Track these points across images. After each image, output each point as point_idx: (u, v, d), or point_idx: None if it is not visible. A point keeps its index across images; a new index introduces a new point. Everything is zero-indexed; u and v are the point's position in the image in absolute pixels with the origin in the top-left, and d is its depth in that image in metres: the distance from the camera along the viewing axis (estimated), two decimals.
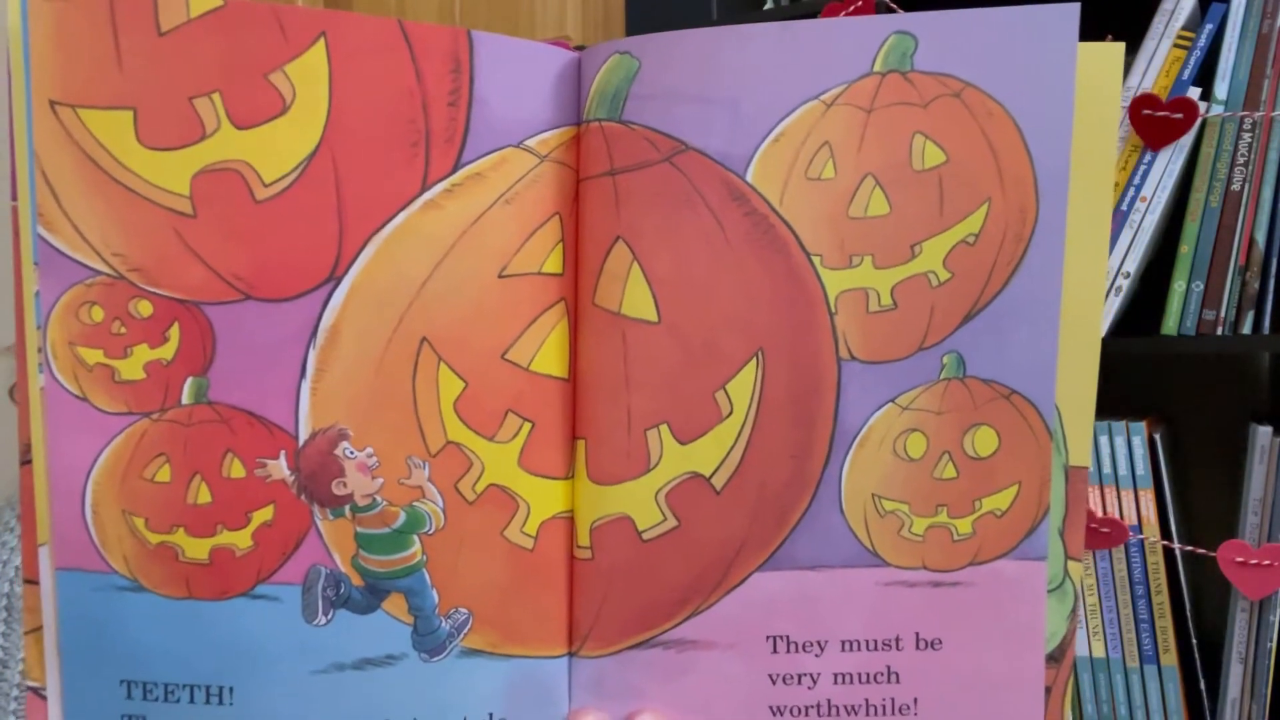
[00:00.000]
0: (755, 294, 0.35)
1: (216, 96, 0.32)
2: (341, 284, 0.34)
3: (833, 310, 0.36)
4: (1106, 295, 1.00)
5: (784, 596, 0.37)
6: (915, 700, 0.38)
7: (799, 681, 0.38)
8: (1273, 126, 0.96)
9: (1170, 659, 1.00)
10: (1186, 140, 0.98)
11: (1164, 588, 1.01)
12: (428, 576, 0.36)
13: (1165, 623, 1.00)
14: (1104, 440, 1.02)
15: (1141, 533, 1.00)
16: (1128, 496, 1.01)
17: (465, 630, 0.36)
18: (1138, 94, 1.00)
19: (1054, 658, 0.38)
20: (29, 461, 0.33)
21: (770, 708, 0.38)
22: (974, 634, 0.38)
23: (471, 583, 0.36)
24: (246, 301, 0.33)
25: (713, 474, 0.37)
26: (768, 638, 0.38)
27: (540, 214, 0.35)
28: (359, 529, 0.35)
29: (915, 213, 0.35)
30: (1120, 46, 0.36)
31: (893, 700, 0.38)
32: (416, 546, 0.36)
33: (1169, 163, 0.99)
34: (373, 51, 0.32)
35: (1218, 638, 1.01)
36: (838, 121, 0.35)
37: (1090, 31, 1.15)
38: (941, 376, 0.36)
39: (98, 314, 0.33)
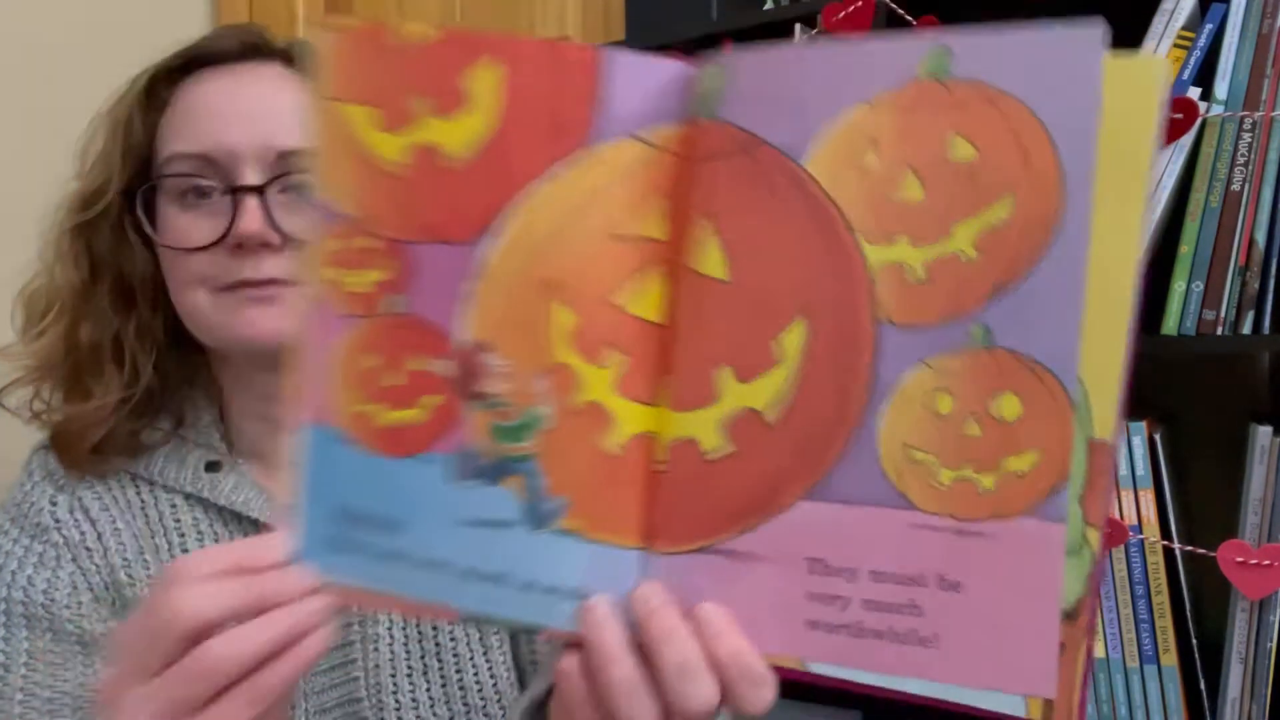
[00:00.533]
0: (805, 261, 0.42)
1: (428, 95, 0.44)
2: (496, 234, 0.44)
3: (873, 279, 0.42)
4: None
5: (824, 525, 0.43)
6: (936, 635, 0.42)
7: (833, 603, 0.43)
8: (1273, 126, 0.96)
9: (1170, 659, 1.01)
10: (1186, 140, 0.98)
11: (1164, 588, 1.01)
12: (538, 465, 0.45)
13: (1165, 623, 1.00)
14: None
15: (1141, 533, 1.00)
16: (1128, 496, 1.01)
17: (563, 513, 0.45)
18: None
19: (1070, 615, 0.41)
20: (299, 349, 0.46)
21: (807, 621, 0.43)
22: (993, 583, 0.41)
23: (571, 476, 0.45)
24: (435, 244, 0.45)
25: (766, 410, 0.43)
26: (806, 559, 0.43)
27: (648, 191, 0.44)
28: (492, 421, 0.45)
29: (947, 200, 0.40)
30: (1159, 60, 0.39)
31: (915, 632, 0.42)
32: (532, 440, 0.45)
33: (1169, 163, 0.99)
34: (530, 65, 0.43)
35: (1218, 638, 1.01)
36: (882, 120, 0.41)
37: None
38: (971, 345, 0.41)
39: (341, 245, 0.45)
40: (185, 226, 0.69)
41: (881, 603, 0.42)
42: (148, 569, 0.72)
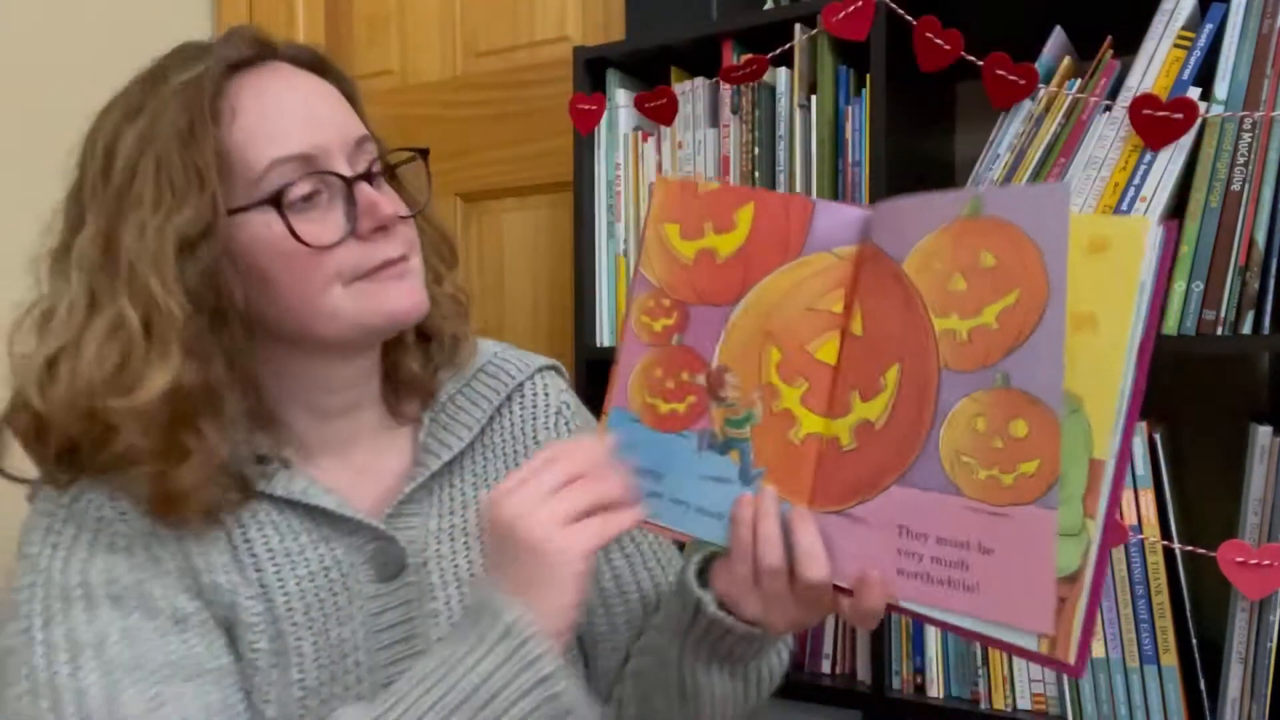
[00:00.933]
0: (902, 325, 0.64)
1: (711, 221, 0.71)
2: (740, 303, 0.70)
3: (936, 339, 0.62)
4: None
5: (907, 503, 0.63)
6: (978, 584, 0.61)
7: (913, 557, 0.63)
8: (1273, 126, 0.96)
9: (1170, 659, 1.01)
10: (1186, 140, 0.98)
11: (1164, 588, 1.01)
12: (750, 445, 0.69)
13: (1165, 623, 1.01)
14: None
15: (1141, 533, 1.01)
16: (1128, 496, 1.01)
17: (762, 477, 0.69)
18: (1138, 94, 1.00)
19: (1070, 580, 0.58)
20: (616, 362, 0.74)
21: (898, 570, 0.64)
22: (1012, 549, 0.59)
23: (769, 454, 0.69)
24: (702, 305, 0.71)
25: (876, 420, 0.65)
26: (897, 525, 0.64)
27: (834, 284, 0.67)
28: (725, 415, 0.70)
29: (979, 291, 0.61)
30: (1142, 221, 0.57)
31: (964, 581, 0.61)
32: (748, 429, 0.70)
33: (1169, 163, 0.99)
34: (771, 205, 0.69)
35: (1218, 638, 1.01)
36: (942, 241, 0.62)
37: (1091, 32, 1.14)
38: (995, 385, 0.60)
39: (650, 303, 0.73)
40: (312, 227, 0.69)
41: (943, 559, 0.62)
42: (222, 555, 0.73)
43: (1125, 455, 0.57)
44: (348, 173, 0.71)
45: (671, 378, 0.72)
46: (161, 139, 0.68)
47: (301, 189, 0.70)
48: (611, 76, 1.36)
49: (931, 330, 0.62)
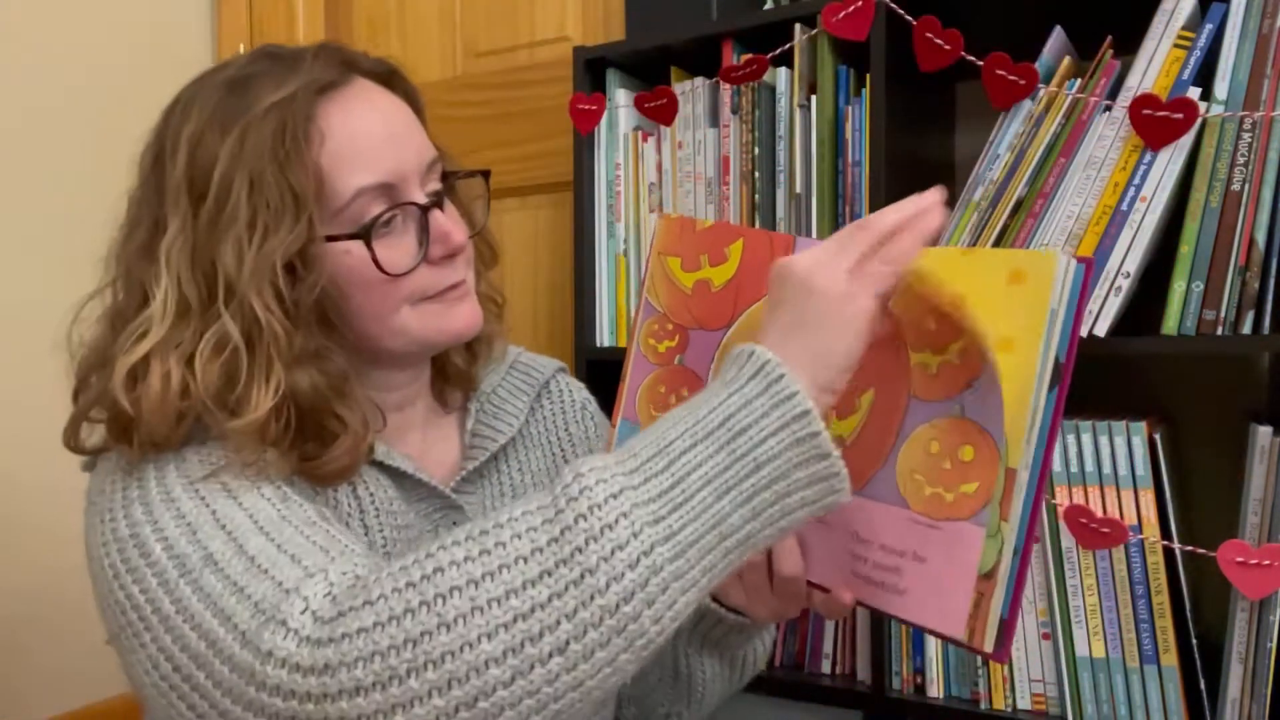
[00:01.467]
0: (882, 355, 0.67)
1: (707, 254, 0.78)
2: (731, 327, 0.77)
3: (910, 371, 0.68)
4: (1106, 295, 1.00)
5: (864, 511, 0.69)
6: (907, 589, 0.67)
7: (862, 560, 0.69)
8: (1273, 126, 0.96)
9: (1170, 659, 1.01)
10: (1186, 140, 0.98)
11: (1164, 588, 1.01)
12: None
13: (1165, 623, 1.01)
14: (1104, 440, 1.02)
15: (1141, 533, 1.01)
16: (1128, 496, 1.01)
17: None
18: (1138, 94, 1.00)
19: (987, 576, 0.62)
20: (624, 378, 0.81)
21: (852, 571, 0.70)
22: (941, 558, 0.65)
23: None
24: (700, 330, 0.78)
25: (847, 437, 0.71)
26: (852, 531, 0.70)
27: None
28: None
29: (946, 329, 0.65)
30: (1053, 255, 0.61)
31: (897, 584, 0.67)
32: None
33: (1169, 163, 0.99)
34: (757, 241, 0.76)
35: (1218, 638, 1.01)
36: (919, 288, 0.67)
37: (1091, 32, 1.14)
38: (953, 414, 0.66)
39: (655, 326, 0.80)
40: (389, 253, 0.73)
41: (882, 564, 0.68)
42: (346, 504, 0.76)
43: (1046, 468, 0.62)
44: (423, 201, 0.75)
45: (674, 394, 0.78)
46: (255, 159, 0.69)
47: (383, 217, 0.73)
48: (611, 76, 1.36)
49: (908, 362, 0.67)
